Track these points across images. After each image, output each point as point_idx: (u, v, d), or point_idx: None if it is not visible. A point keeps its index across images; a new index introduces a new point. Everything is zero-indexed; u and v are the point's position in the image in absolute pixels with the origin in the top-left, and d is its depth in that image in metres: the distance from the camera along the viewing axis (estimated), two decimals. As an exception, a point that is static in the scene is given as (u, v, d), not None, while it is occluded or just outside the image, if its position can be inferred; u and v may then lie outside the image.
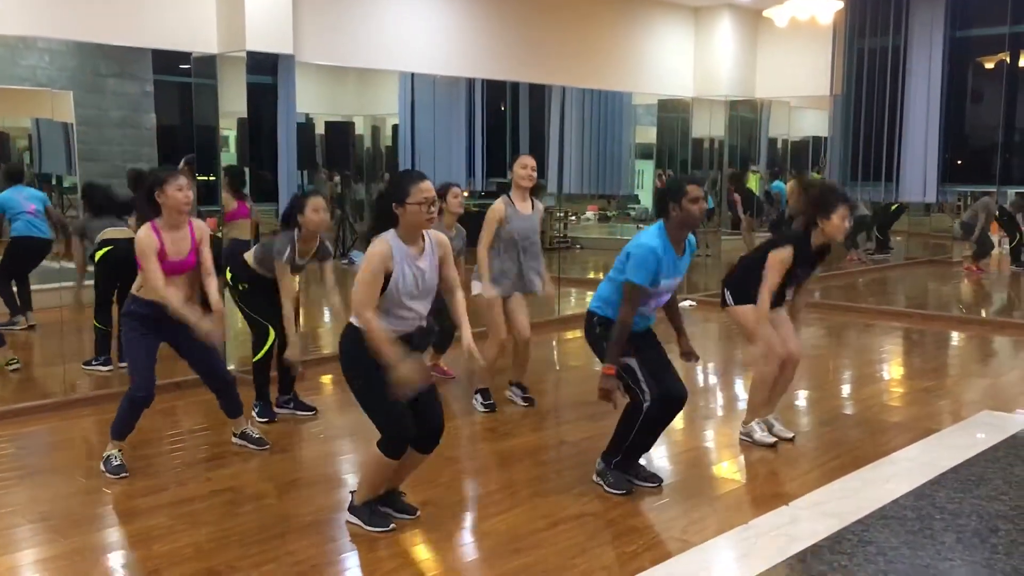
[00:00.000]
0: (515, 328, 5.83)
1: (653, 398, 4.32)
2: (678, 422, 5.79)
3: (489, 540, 3.98)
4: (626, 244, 4.43)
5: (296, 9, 6.81)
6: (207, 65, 6.66)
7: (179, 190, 4.53)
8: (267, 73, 6.67)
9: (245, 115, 6.68)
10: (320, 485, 4.72)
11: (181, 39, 6.47)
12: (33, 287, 7.89)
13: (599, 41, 9.34)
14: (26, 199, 7.79)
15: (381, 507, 4.08)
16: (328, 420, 5.79)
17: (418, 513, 4.15)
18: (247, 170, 7.05)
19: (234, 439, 5.07)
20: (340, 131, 12.37)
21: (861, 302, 11.09)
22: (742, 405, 6.20)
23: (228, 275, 5.64)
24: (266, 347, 5.55)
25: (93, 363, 6.65)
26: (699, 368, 7.37)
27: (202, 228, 4.76)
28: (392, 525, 4.02)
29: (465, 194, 6.71)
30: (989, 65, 10.17)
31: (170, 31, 6.38)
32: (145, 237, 4.54)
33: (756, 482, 4.80)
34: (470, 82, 10.01)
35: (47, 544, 3.93)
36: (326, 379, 6.82)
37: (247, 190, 7.07)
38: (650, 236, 4.35)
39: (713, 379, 7.17)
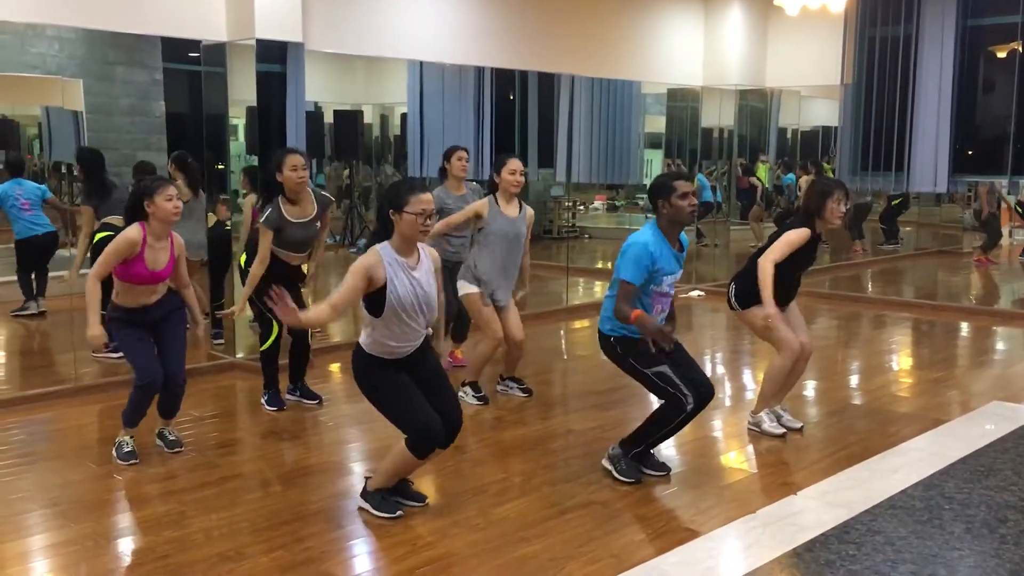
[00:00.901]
0: (509, 332, 5.75)
1: (694, 400, 4.32)
2: (686, 411, 5.80)
3: (497, 528, 3.99)
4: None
5: (305, -3, 6.81)
6: (216, 53, 6.65)
7: (168, 200, 4.53)
8: (276, 61, 6.66)
9: (255, 103, 6.68)
10: (328, 473, 4.74)
11: (191, 27, 6.47)
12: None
13: (608, 29, 9.31)
14: (23, 194, 7.83)
15: (391, 494, 4.10)
16: (336, 408, 5.80)
17: (426, 501, 4.17)
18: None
19: (156, 439, 4.95)
20: (349, 119, 12.37)
21: (870, 293, 11.07)
22: (750, 395, 6.20)
23: (243, 260, 5.66)
24: (272, 337, 5.56)
25: (104, 349, 6.67)
26: (707, 358, 7.37)
27: (180, 244, 4.78)
28: (400, 512, 4.03)
29: (474, 183, 6.71)
30: (1001, 54, 10.09)
31: (179, 19, 6.37)
32: (132, 236, 4.52)
33: (764, 472, 4.80)
34: (479, 70, 9.99)
35: (57, 529, 3.95)
36: (334, 367, 6.84)
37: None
38: (641, 233, 4.37)
39: (721, 369, 7.17)
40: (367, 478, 4.18)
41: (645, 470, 4.54)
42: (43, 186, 8.10)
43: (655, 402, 4.58)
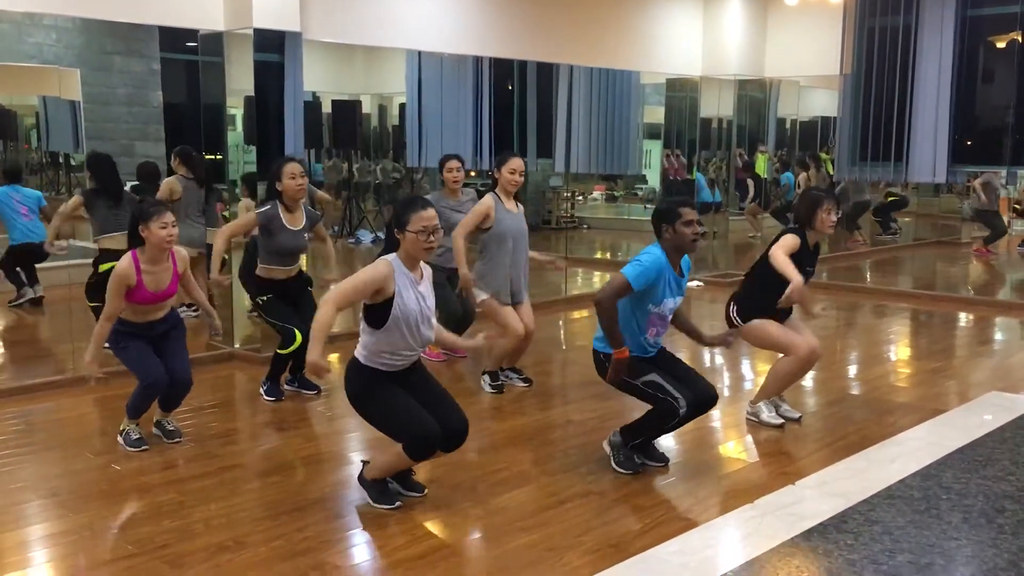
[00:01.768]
0: (523, 323, 5.81)
1: (688, 402, 4.30)
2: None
3: (496, 518, 4.00)
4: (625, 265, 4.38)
5: (303, -14, 6.78)
6: (214, 43, 6.63)
7: (163, 228, 4.53)
8: (274, 51, 6.64)
9: (252, 93, 6.66)
10: (327, 463, 4.74)
11: (188, 16, 6.44)
12: (44, 265, 7.94)
13: (607, 19, 9.28)
14: (20, 200, 7.83)
15: (389, 484, 4.11)
16: (334, 398, 5.80)
17: (425, 491, 4.17)
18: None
19: (154, 428, 4.96)
20: (347, 110, 12.35)
21: (869, 283, 11.07)
22: (748, 385, 6.21)
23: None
24: (294, 346, 5.52)
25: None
26: (706, 349, 7.36)
27: (184, 258, 4.79)
28: (398, 503, 4.04)
29: (472, 173, 6.71)
30: (1001, 44, 10.07)
31: (177, 8, 6.35)
32: (123, 271, 4.53)
33: (762, 461, 4.80)
34: (477, 60, 9.98)
35: (57, 519, 3.96)
36: (332, 358, 6.83)
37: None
38: (655, 247, 4.34)
39: (720, 359, 7.17)
40: (364, 463, 4.18)
41: (645, 461, 4.54)
42: (39, 193, 8.10)
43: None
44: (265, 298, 5.56)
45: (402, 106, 12.42)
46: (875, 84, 10.13)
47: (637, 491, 4.30)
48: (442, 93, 11.03)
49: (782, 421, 5.23)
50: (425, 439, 3.88)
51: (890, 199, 14.11)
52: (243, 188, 7.12)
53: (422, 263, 4.00)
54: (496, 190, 5.74)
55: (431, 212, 3.85)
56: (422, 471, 4.37)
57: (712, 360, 7.09)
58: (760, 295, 5.07)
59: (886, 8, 10.03)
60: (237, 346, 6.82)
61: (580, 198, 15.96)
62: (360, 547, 3.77)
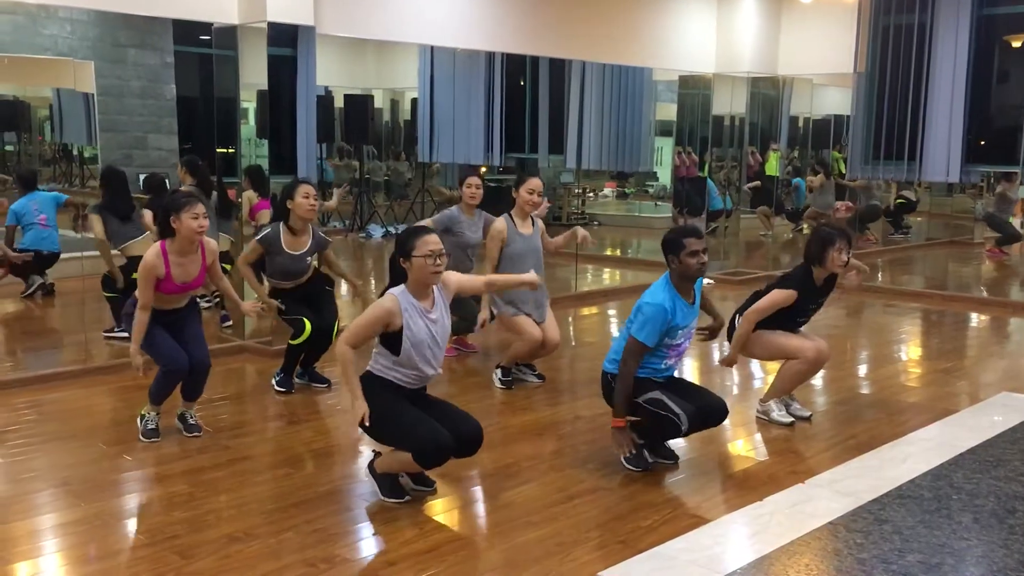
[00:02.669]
0: (547, 337, 5.83)
1: (690, 416, 4.30)
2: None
3: (505, 512, 4.00)
4: (639, 298, 4.41)
5: (317, -20, 6.78)
6: (228, 36, 6.64)
7: (194, 219, 4.56)
8: (287, 45, 6.65)
9: (265, 87, 6.67)
10: (337, 455, 4.76)
11: (202, 10, 6.45)
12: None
13: (620, 16, 9.26)
14: (38, 207, 7.84)
15: (400, 478, 4.12)
16: (345, 392, 5.80)
17: (435, 486, 4.18)
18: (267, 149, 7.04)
19: (177, 421, 4.98)
20: (359, 104, 12.36)
21: (880, 282, 11.03)
22: (758, 383, 6.20)
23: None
24: (303, 337, 5.56)
25: (115, 331, 6.70)
26: (715, 345, 7.35)
27: (213, 250, 4.82)
28: (408, 497, 4.05)
29: (483, 169, 6.71)
30: (1016, 44, 10.01)
31: (191, 2, 6.36)
32: (151, 262, 4.56)
33: (772, 460, 4.79)
34: (490, 56, 9.98)
35: (68, 509, 3.98)
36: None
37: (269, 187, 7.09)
38: (658, 290, 4.36)
39: (730, 357, 7.15)
40: (376, 452, 4.18)
41: (655, 458, 4.54)
42: (54, 194, 8.11)
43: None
44: (277, 305, 5.57)
45: (414, 101, 12.43)
46: (889, 83, 10.07)
47: (646, 487, 4.30)
48: (454, 88, 11.03)
49: (792, 419, 5.23)
50: (436, 448, 3.86)
51: (898, 202, 14.08)
52: (246, 180, 7.13)
53: (435, 289, 3.99)
54: (512, 211, 5.78)
55: (434, 237, 3.90)
56: (431, 465, 4.38)
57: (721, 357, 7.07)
58: (765, 324, 5.13)
59: (901, 6, 9.97)
60: (248, 338, 6.84)
61: (591, 195, 15.94)
62: (369, 540, 3.78)
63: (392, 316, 3.84)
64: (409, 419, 3.90)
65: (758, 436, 5.12)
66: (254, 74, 6.68)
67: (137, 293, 4.66)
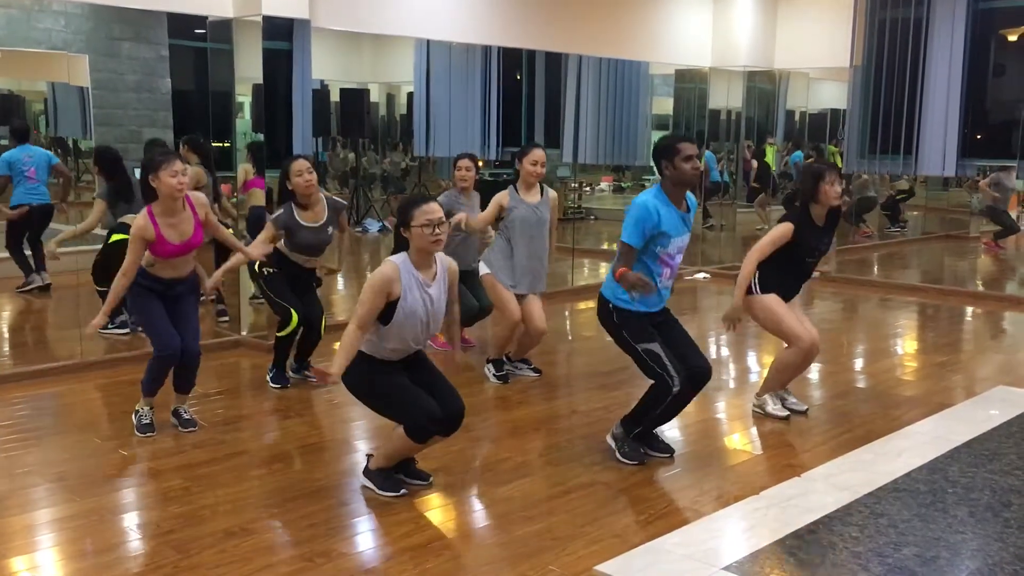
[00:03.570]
0: (532, 322, 5.79)
1: (682, 380, 4.30)
2: (691, 393, 5.80)
3: (501, 507, 4.00)
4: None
5: (312, -27, 6.76)
6: (223, 29, 6.62)
7: (172, 176, 4.49)
8: (283, 38, 6.63)
9: (261, 81, 6.65)
10: (332, 450, 4.75)
11: (197, 3, 6.43)
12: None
13: (616, 9, 9.24)
14: (31, 160, 7.76)
15: (395, 473, 4.12)
16: (340, 387, 5.77)
17: (431, 479, 4.18)
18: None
19: (172, 417, 4.96)
20: (355, 98, 12.32)
21: (876, 276, 11.05)
22: (754, 377, 6.20)
23: (257, 265, 5.65)
24: (290, 327, 5.55)
25: (109, 327, 6.69)
26: (712, 341, 7.36)
27: (202, 203, 4.74)
28: (404, 490, 4.05)
29: (480, 163, 6.71)
30: (1012, 38, 10.01)
31: (186, -6, 6.35)
32: (139, 224, 4.52)
33: (768, 454, 4.80)
34: (486, 50, 9.95)
35: (63, 504, 3.97)
36: (338, 346, 6.84)
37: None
38: (646, 194, 4.33)
39: (725, 351, 7.16)
40: (369, 456, 4.19)
41: (650, 452, 4.54)
42: (49, 153, 8.03)
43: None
44: (271, 270, 5.51)
45: (410, 95, 12.39)
46: (885, 77, 10.07)
47: (642, 482, 4.30)
48: (450, 82, 11.00)
49: (787, 413, 5.23)
50: (425, 424, 3.88)
51: (899, 196, 14.09)
52: (247, 155, 7.10)
53: (439, 260, 3.98)
54: (517, 183, 5.78)
55: (434, 206, 3.86)
56: (427, 460, 4.38)
57: (718, 352, 7.08)
58: (776, 272, 5.04)
59: (897, 0, 9.97)
60: (244, 333, 6.83)
61: (587, 189, 15.91)
62: (365, 534, 3.78)
63: (392, 284, 3.80)
64: (401, 392, 3.90)
65: (754, 430, 5.13)
66: (249, 68, 6.66)
67: (126, 259, 4.55)
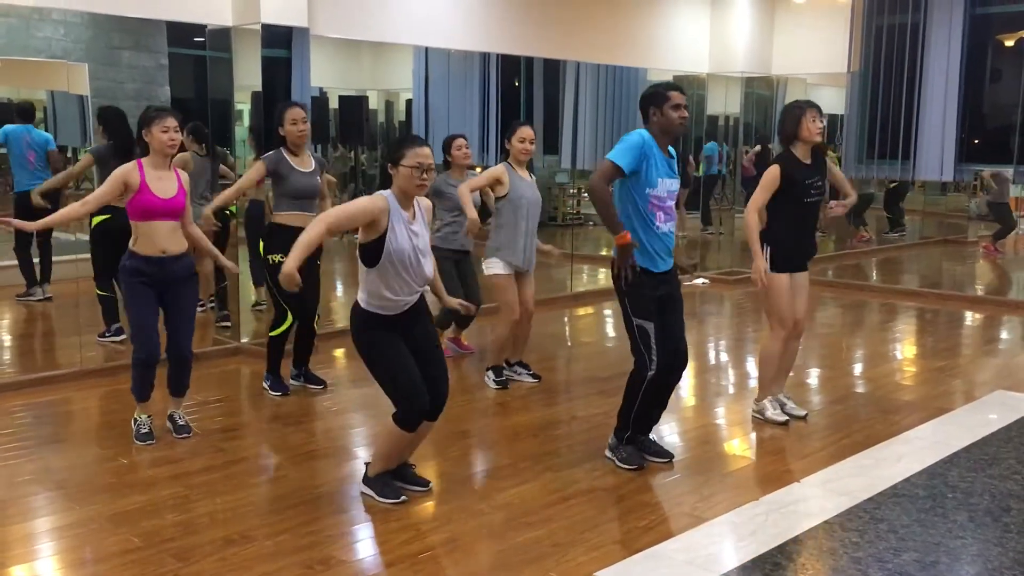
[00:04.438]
0: (523, 301, 5.83)
1: (659, 368, 4.31)
2: (689, 399, 5.81)
3: (500, 513, 4.01)
4: None
5: (311, -19, 6.78)
6: (222, 38, 6.64)
7: (164, 131, 4.53)
8: (282, 46, 6.65)
9: (260, 88, 6.67)
10: (332, 457, 4.75)
11: (196, 11, 6.45)
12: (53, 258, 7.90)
13: (614, 16, 9.27)
14: (31, 143, 7.72)
15: (393, 480, 4.12)
16: (340, 393, 5.82)
17: (430, 486, 4.18)
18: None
19: (167, 422, 4.96)
20: (354, 105, 12.34)
21: (875, 281, 11.06)
22: (753, 383, 6.20)
23: (260, 247, 5.62)
24: (284, 327, 5.57)
25: (106, 335, 6.70)
26: (711, 345, 7.37)
27: (186, 178, 4.77)
28: (403, 497, 4.05)
29: (478, 169, 6.73)
30: (1009, 43, 10.05)
31: (185, 3, 6.36)
32: (126, 168, 4.54)
33: (767, 459, 4.80)
34: (484, 56, 9.96)
35: (63, 512, 3.97)
36: (338, 353, 6.85)
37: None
38: (636, 131, 4.31)
39: (724, 357, 7.17)
40: (367, 464, 4.19)
41: (648, 456, 4.55)
42: (49, 136, 7.99)
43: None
44: (277, 258, 5.40)
45: (409, 102, 12.41)
46: (883, 82, 10.11)
47: (642, 488, 4.30)
48: (449, 89, 11.03)
49: (786, 419, 5.23)
50: (414, 404, 3.89)
51: (892, 185, 14.00)
52: (250, 139, 7.08)
53: (416, 201, 3.95)
54: (508, 160, 5.78)
55: (427, 150, 3.83)
56: (426, 467, 4.38)
57: (717, 358, 7.09)
58: (783, 226, 4.99)
59: (894, 6, 10.00)
60: (244, 340, 6.83)
61: (586, 195, 15.92)
62: (365, 542, 3.78)
63: (381, 214, 3.77)
64: (400, 370, 3.88)
65: (753, 435, 5.13)
66: (248, 76, 6.68)
67: (97, 191, 4.55)
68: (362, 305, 3.92)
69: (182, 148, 7.36)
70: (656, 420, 4.62)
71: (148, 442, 4.74)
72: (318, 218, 3.84)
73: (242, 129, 7.38)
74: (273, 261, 5.40)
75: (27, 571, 3.48)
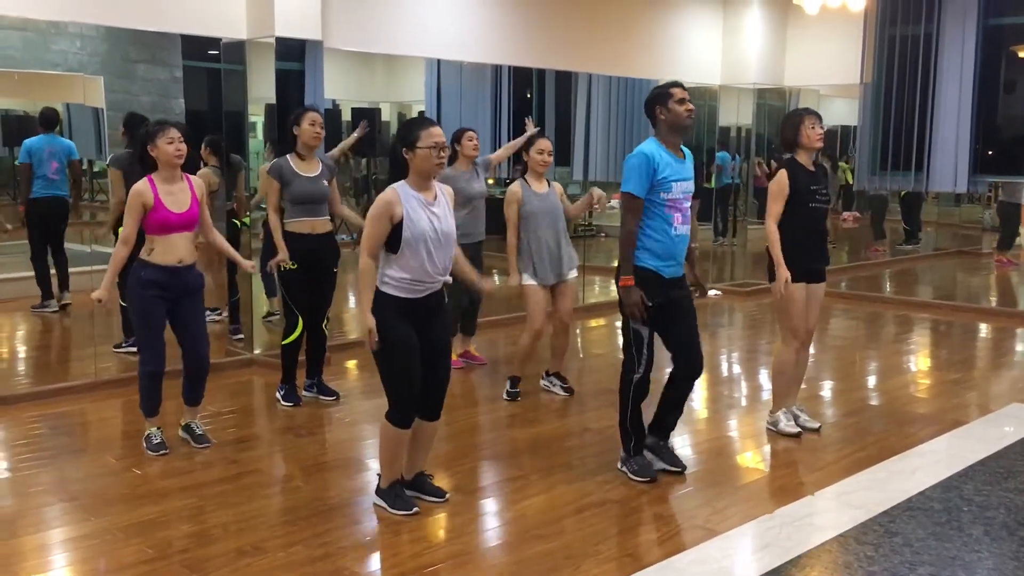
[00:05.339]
0: (558, 311, 5.87)
1: (644, 374, 4.32)
2: (702, 411, 5.80)
3: (513, 526, 4.00)
4: None
5: (324, -5, 6.83)
6: (236, 51, 6.69)
7: (169, 143, 4.54)
8: (296, 59, 6.70)
9: (274, 101, 6.71)
10: (345, 468, 4.76)
11: (210, 25, 6.50)
12: (70, 269, 7.94)
13: (626, 28, 9.29)
14: (51, 154, 7.76)
15: (409, 491, 4.12)
16: (352, 405, 5.83)
17: (447, 496, 4.18)
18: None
19: (180, 431, 4.98)
20: (367, 118, 12.38)
21: (889, 293, 11.01)
22: (766, 395, 6.18)
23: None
24: (295, 335, 5.60)
25: (123, 345, 6.72)
26: (724, 358, 7.35)
27: (200, 183, 4.77)
28: (416, 508, 4.05)
29: (491, 181, 6.77)
30: (1022, 54, 10.01)
31: (199, 17, 6.41)
32: (138, 188, 4.54)
33: (781, 472, 4.78)
34: (496, 69, 9.98)
35: (77, 523, 3.99)
36: (351, 364, 6.87)
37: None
38: (640, 146, 4.34)
39: (737, 369, 7.15)
40: (379, 476, 4.19)
41: (661, 464, 4.53)
42: (72, 144, 8.03)
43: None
44: (292, 265, 5.45)
45: (421, 114, 12.45)
46: (896, 93, 10.08)
47: (654, 500, 4.29)
48: (461, 101, 11.05)
49: (799, 430, 5.21)
50: (404, 404, 3.92)
51: (903, 194, 13.97)
52: (268, 151, 7.12)
53: (438, 186, 3.97)
54: (525, 175, 5.83)
55: (439, 130, 3.86)
56: (439, 478, 4.38)
57: (730, 370, 7.06)
58: (794, 235, 4.98)
59: (907, 17, 9.98)
60: (257, 352, 6.85)
61: (597, 206, 15.91)
62: (378, 553, 3.78)
63: (392, 206, 3.78)
64: (402, 372, 3.88)
65: (767, 448, 5.11)
66: (262, 88, 6.72)
67: (123, 225, 4.57)
68: (383, 290, 3.89)
69: (197, 161, 7.45)
70: (672, 426, 4.62)
71: (161, 452, 4.75)
72: (361, 257, 3.86)
73: (256, 141, 7.41)
74: (284, 268, 5.47)
75: (41, 582, 3.50)
